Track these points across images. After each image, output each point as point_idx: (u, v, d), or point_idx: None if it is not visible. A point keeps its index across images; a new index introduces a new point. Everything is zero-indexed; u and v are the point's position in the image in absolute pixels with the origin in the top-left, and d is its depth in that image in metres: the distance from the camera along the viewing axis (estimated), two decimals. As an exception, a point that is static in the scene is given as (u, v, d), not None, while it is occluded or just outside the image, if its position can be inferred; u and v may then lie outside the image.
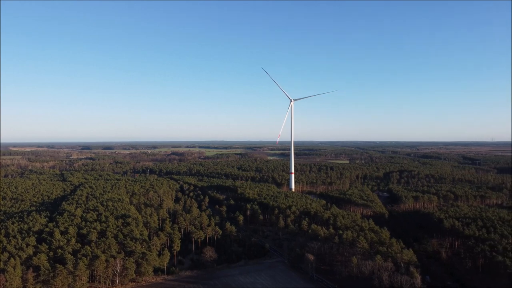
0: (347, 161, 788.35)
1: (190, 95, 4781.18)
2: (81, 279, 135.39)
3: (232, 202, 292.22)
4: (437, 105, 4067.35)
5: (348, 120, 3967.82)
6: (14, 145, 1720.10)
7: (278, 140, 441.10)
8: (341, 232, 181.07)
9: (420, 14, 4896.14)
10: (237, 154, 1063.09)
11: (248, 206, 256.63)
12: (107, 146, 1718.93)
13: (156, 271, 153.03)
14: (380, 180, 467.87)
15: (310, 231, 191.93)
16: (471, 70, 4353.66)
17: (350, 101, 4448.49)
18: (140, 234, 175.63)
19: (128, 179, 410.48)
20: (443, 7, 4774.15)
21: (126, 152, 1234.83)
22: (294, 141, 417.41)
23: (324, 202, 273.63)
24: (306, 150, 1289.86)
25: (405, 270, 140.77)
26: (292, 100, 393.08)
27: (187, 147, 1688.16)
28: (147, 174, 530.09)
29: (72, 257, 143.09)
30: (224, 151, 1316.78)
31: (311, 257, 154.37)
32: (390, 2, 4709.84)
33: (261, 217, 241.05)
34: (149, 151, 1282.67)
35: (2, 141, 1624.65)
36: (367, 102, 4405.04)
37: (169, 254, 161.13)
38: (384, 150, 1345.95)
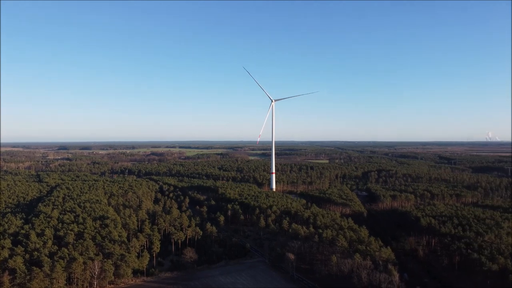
0: (327, 161, 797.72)
1: (170, 94, 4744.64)
2: (58, 282, 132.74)
3: (213, 202, 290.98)
4: (415, 105, 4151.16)
5: (328, 121, 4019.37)
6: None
7: (258, 140, 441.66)
8: (321, 231, 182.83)
9: (395, 15, 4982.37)
10: (218, 154, 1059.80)
11: (229, 206, 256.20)
12: (85, 146, 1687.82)
13: (136, 273, 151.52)
14: (359, 180, 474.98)
15: (290, 230, 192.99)
16: (449, 72, 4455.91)
17: (329, 102, 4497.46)
18: (119, 236, 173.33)
19: (106, 180, 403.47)
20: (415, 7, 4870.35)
21: (104, 152, 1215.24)
22: (275, 141, 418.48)
23: (304, 201, 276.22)
24: (287, 150, 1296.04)
25: (384, 268, 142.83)
26: (273, 101, 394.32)
27: (167, 147, 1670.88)
28: (126, 175, 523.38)
29: (48, 259, 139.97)
30: (205, 151, 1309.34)
31: (291, 256, 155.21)
32: (368, 2, 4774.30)
33: (242, 217, 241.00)
34: (128, 151, 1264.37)
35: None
36: (346, 103, 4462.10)
37: (149, 256, 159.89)
38: (363, 150, 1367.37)
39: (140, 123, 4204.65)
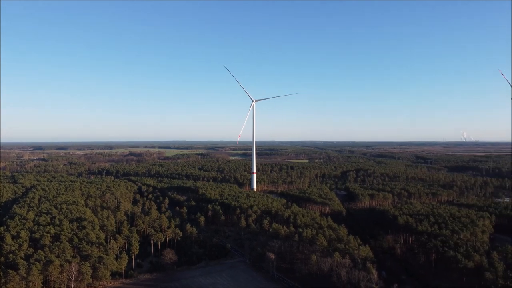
0: (307, 161, 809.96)
1: (149, 94, 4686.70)
2: (35, 285, 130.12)
3: (193, 203, 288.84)
4: (392, 106, 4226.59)
5: (309, 121, 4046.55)
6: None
7: (238, 140, 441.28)
8: (301, 230, 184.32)
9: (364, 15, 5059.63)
10: (198, 154, 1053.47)
11: (210, 206, 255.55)
12: (61, 147, 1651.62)
13: (114, 275, 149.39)
14: (338, 179, 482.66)
15: (271, 230, 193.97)
16: (424, 73, 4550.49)
17: (309, 102, 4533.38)
18: (97, 238, 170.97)
19: (83, 181, 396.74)
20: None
21: (81, 152, 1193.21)
22: (255, 141, 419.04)
23: (284, 201, 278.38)
24: (268, 150, 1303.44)
25: (362, 266, 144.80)
26: (254, 101, 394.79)
27: (146, 147, 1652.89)
28: (103, 176, 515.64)
29: (24, 262, 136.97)
30: (184, 151, 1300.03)
31: (272, 256, 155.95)
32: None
33: (222, 217, 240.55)
34: (105, 151, 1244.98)
35: None
36: (325, 103, 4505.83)
37: (127, 258, 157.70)
38: (342, 150, 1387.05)
39: (118, 123, 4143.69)
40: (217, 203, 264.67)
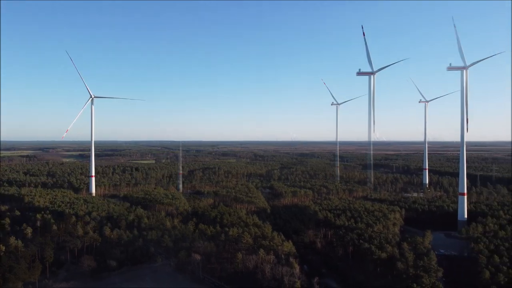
0: (153, 161, 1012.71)
1: None
2: None
3: (17, 213, 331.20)
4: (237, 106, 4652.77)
5: (154, 120, 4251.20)
6: None
7: (64, 135, 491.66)
8: (227, 229, 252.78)
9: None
10: (23, 156, 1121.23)
11: (39, 216, 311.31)
12: None
13: (26, 285, 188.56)
14: (263, 178, 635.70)
15: (197, 231, 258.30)
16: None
17: (156, 102, 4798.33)
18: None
19: None
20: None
21: None
22: (95, 141, 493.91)
23: (128, 204, 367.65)
24: (109, 151, 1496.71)
25: (286, 261, 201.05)
26: (93, 96, 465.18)
27: None
28: None
29: None
30: (5, 153, 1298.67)
31: (197, 257, 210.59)
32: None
33: (55, 226, 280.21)
34: None
35: None
36: (173, 102, 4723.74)
37: (41, 266, 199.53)
38: (189, 149, 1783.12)
39: None
40: (48, 212, 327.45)
